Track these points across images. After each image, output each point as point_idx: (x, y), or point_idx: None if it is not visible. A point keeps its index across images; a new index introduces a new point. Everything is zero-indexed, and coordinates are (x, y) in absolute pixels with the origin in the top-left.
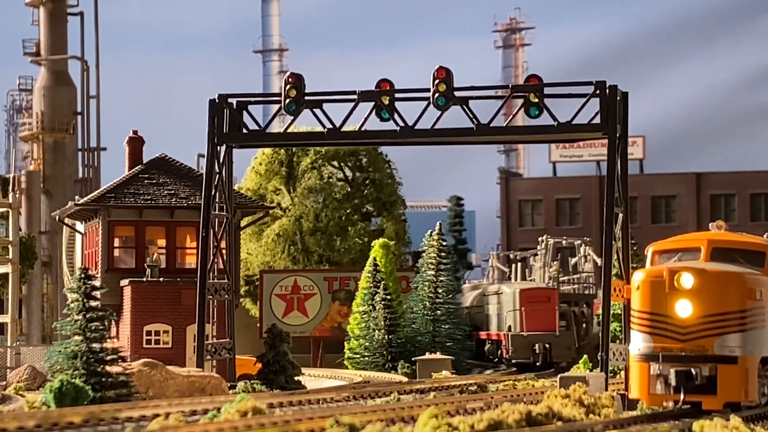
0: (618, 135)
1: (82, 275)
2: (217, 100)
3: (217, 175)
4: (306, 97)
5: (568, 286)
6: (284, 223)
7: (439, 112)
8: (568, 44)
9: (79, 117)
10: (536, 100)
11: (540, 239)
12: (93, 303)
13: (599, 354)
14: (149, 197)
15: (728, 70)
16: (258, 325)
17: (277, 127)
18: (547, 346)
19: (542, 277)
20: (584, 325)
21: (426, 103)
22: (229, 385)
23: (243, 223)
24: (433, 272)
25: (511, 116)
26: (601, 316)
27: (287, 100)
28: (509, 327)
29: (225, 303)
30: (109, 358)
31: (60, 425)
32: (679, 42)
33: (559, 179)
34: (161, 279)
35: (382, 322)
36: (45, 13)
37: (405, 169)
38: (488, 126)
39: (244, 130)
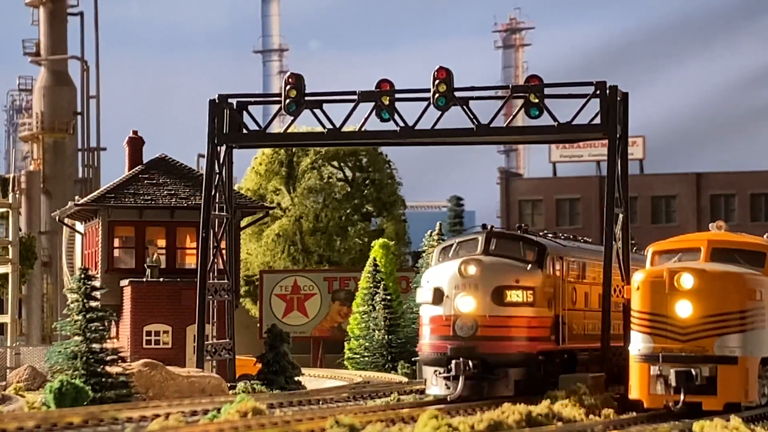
0: (618, 135)
1: (82, 275)
2: (217, 101)
3: (217, 176)
4: (306, 98)
5: None
6: (284, 223)
7: (440, 113)
8: (568, 44)
9: (79, 117)
10: (536, 101)
11: None
12: (93, 303)
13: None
14: (149, 197)
15: (728, 70)
16: (258, 325)
17: (277, 127)
18: None
19: None
20: None
21: (426, 103)
22: (229, 385)
23: (243, 223)
24: None
25: (512, 117)
26: (602, 316)
27: (287, 101)
28: None
29: (225, 303)
30: (109, 358)
31: (60, 426)
32: (678, 42)
33: (559, 179)
34: (161, 279)
35: (382, 322)
36: (45, 13)
37: (405, 169)
38: (488, 126)
39: (244, 131)
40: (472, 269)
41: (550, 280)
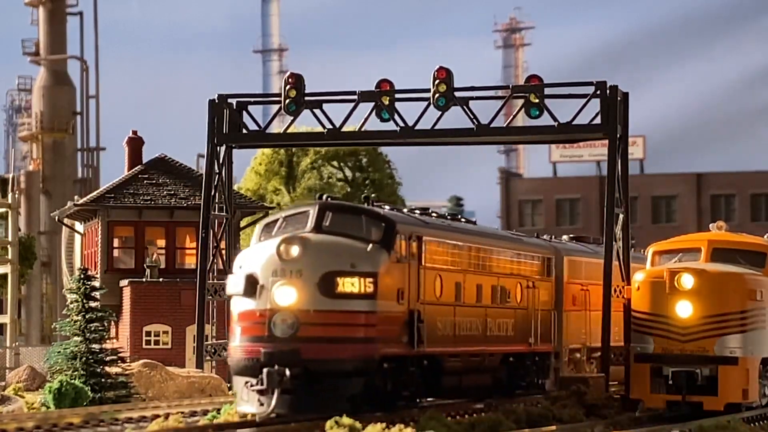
0: (618, 135)
1: (82, 276)
2: (216, 101)
3: (217, 176)
4: (306, 98)
5: None
6: None
7: (440, 113)
8: (568, 44)
9: (78, 117)
10: (537, 101)
11: None
12: (92, 303)
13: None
14: (149, 197)
15: (728, 70)
16: None
17: (277, 127)
18: None
19: None
20: None
21: (426, 103)
22: (228, 385)
23: (243, 223)
24: None
25: (512, 117)
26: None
27: (287, 101)
28: None
29: (225, 303)
30: (108, 358)
31: (59, 426)
32: (679, 42)
33: (559, 179)
34: (161, 279)
35: None
36: (44, 12)
37: (405, 169)
38: (488, 126)
39: (244, 131)
40: (294, 250)
41: (400, 266)
